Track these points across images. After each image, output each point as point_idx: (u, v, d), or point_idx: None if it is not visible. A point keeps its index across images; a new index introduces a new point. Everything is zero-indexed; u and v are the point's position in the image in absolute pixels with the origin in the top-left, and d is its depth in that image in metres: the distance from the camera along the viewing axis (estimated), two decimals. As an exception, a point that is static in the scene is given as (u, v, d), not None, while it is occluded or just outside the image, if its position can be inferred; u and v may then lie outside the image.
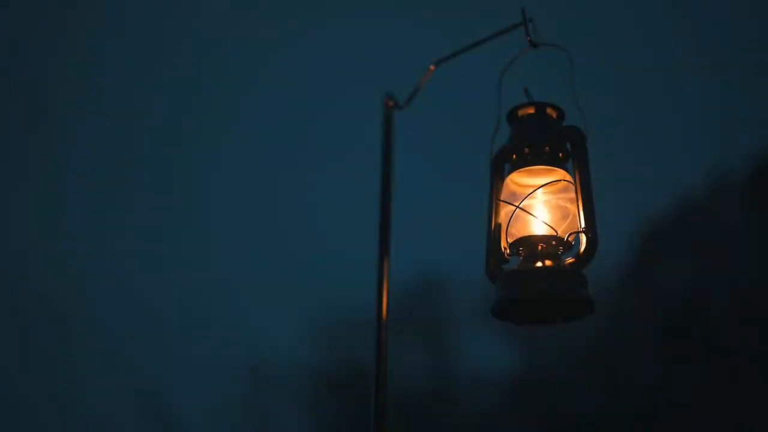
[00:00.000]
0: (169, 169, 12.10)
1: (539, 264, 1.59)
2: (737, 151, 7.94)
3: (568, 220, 1.61)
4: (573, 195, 1.61)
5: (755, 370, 6.68)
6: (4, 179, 11.39)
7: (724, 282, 7.28)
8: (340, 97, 11.96)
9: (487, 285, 1.62)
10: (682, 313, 7.34)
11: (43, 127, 11.94)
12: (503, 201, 1.64)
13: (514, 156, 1.65)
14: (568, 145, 1.64)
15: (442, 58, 1.99)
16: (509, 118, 1.68)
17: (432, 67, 2.01)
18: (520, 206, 1.61)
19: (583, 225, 1.58)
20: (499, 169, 1.67)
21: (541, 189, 1.62)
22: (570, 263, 1.58)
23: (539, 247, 1.60)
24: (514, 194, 1.64)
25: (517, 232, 1.62)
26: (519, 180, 1.65)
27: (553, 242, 1.60)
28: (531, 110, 1.66)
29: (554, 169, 1.63)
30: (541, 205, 1.62)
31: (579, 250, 1.58)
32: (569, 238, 1.60)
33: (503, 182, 1.66)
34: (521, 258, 1.62)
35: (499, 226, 1.63)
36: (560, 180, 1.62)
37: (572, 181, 1.62)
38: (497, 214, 1.64)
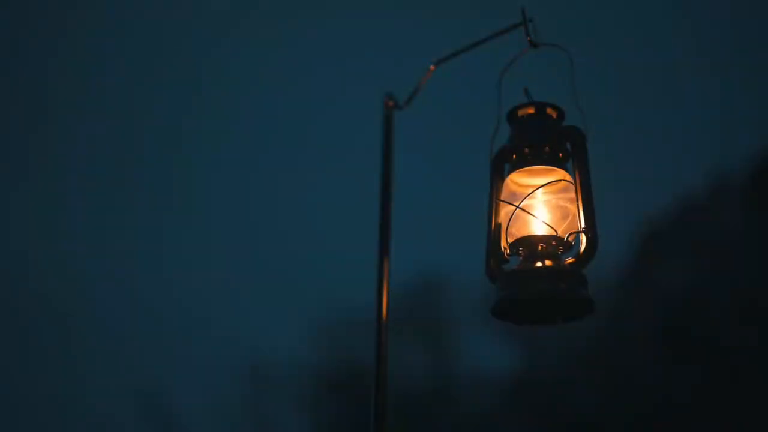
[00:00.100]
0: (169, 169, 12.11)
1: (539, 264, 1.59)
2: (737, 151, 7.95)
3: (568, 220, 1.61)
4: (573, 195, 1.61)
5: (755, 370, 6.68)
6: (4, 179, 11.39)
7: (724, 282, 7.28)
8: (340, 97, 11.97)
9: (487, 285, 1.62)
10: (682, 313, 7.34)
11: (43, 127, 11.95)
12: (503, 201, 1.64)
13: (514, 156, 1.65)
14: (568, 145, 1.64)
15: (442, 58, 1.99)
16: (509, 118, 1.67)
17: (432, 67, 2.01)
18: (520, 206, 1.61)
19: (583, 225, 1.58)
20: (499, 169, 1.67)
21: (541, 189, 1.62)
22: (570, 263, 1.58)
23: (539, 247, 1.60)
24: (514, 194, 1.64)
25: (517, 232, 1.62)
26: (519, 180, 1.65)
27: (553, 242, 1.60)
28: (531, 110, 1.66)
29: (554, 169, 1.63)
30: (541, 205, 1.62)
31: (579, 250, 1.58)
32: (569, 238, 1.60)
33: (503, 182, 1.66)
34: (521, 258, 1.62)
35: (499, 226, 1.63)
36: (560, 180, 1.62)
37: (572, 181, 1.62)
38: (497, 214, 1.64)
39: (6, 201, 11.10)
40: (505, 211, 1.64)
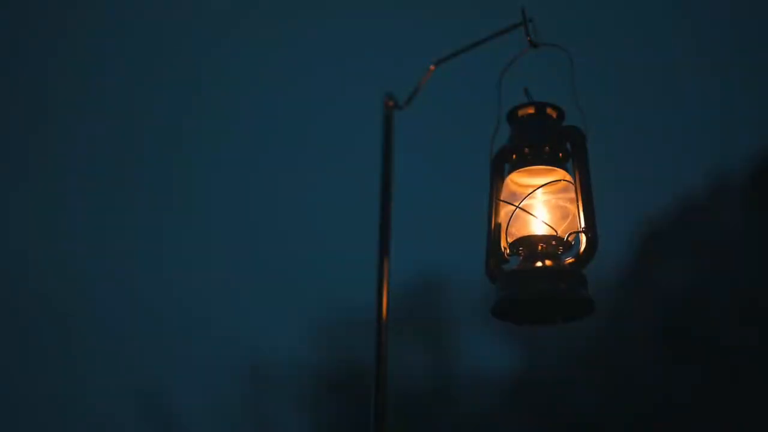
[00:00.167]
0: (169, 169, 12.11)
1: (539, 264, 1.59)
2: (737, 151, 7.95)
3: (568, 220, 1.61)
4: (573, 195, 1.61)
5: (755, 370, 6.68)
6: (4, 179, 11.39)
7: (724, 282, 7.28)
8: (340, 97, 11.97)
9: (487, 285, 1.62)
10: (682, 313, 7.34)
11: (43, 127, 11.95)
12: (503, 201, 1.64)
13: (514, 156, 1.65)
14: (568, 145, 1.64)
15: (442, 58, 1.99)
16: (509, 118, 1.68)
17: (432, 67, 2.01)
18: (520, 206, 1.61)
19: (583, 225, 1.58)
20: (499, 169, 1.67)
21: (540, 189, 1.62)
22: (570, 263, 1.58)
23: (539, 247, 1.60)
24: (514, 194, 1.64)
25: (517, 231, 1.62)
26: (519, 180, 1.65)
27: (553, 242, 1.60)
28: (531, 110, 1.66)
29: (554, 169, 1.63)
30: (540, 205, 1.63)
31: (579, 250, 1.58)
32: (569, 238, 1.60)
33: (503, 182, 1.66)
34: (521, 258, 1.62)
35: (499, 226, 1.63)
36: (560, 180, 1.62)
37: (572, 181, 1.62)
38: (497, 214, 1.64)
39: (6, 201, 11.11)
40: (505, 211, 1.64)
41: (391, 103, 2.08)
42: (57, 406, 9.11)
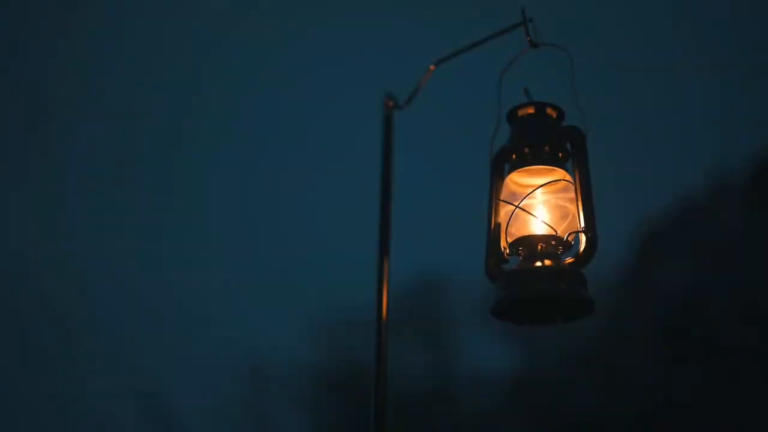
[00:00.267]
0: (169, 169, 12.10)
1: (539, 264, 1.59)
2: (737, 151, 7.95)
3: (568, 220, 1.61)
4: (573, 195, 1.61)
5: (755, 370, 6.68)
6: (4, 179, 11.39)
7: (724, 282, 7.28)
8: (340, 97, 11.97)
9: (487, 285, 1.62)
10: (682, 313, 7.34)
11: (43, 127, 11.95)
12: (503, 201, 1.64)
13: (514, 156, 1.65)
14: (568, 145, 1.65)
15: (442, 58, 1.99)
16: (509, 118, 1.68)
17: (432, 67, 2.01)
18: (519, 206, 1.61)
19: (582, 225, 1.58)
20: (499, 169, 1.67)
21: (540, 189, 1.62)
22: (569, 263, 1.58)
23: (539, 247, 1.60)
24: (513, 194, 1.64)
25: (516, 231, 1.62)
26: (519, 180, 1.65)
27: (553, 242, 1.60)
28: (531, 110, 1.66)
29: (554, 169, 1.63)
30: (540, 205, 1.63)
31: (578, 249, 1.58)
32: (569, 238, 1.60)
33: (503, 182, 1.66)
34: (521, 258, 1.62)
35: (498, 225, 1.63)
36: (560, 180, 1.63)
37: (572, 181, 1.62)
38: (497, 213, 1.64)
39: (6, 201, 11.11)
40: (504, 210, 1.64)
41: (391, 103, 2.08)
42: (57, 406, 9.11)
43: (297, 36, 12.69)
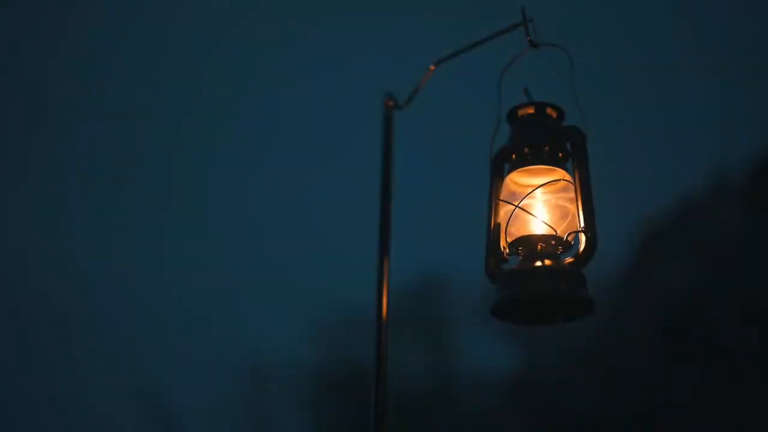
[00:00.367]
0: (169, 169, 12.11)
1: (538, 263, 1.59)
2: (737, 151, 7.95)
3: (568, 220, 1.61)
4: (572, 195, 1.61)
5: (755, 370, 6.68)
6: (4, 179, 11.39)
7: (724, 282, 7.28)
8: (340, 97, 11.97)
9: (487, 285, 1.62)
10: (682, 313, 7.34)
11: (43, 127, 11.95)
12: (503, 200, 1.64)
13: (513, 156, 1.65)
14: (568, 145, 1.65)
15: (442, 58, 1.99)
16: (509, 118, 1.68)
17: (432, 67, 2.01)
18: (519, 206, 1.61)
19: (582, 225, 1.58)
20: (499, 169, 1.67)
21: (540, 188, 1.62)
22: (569, 263, 1.58)
23: (538, 247, 1.60)
24: (513, 194, 1.64)
25: (516, 231, 1.62)
26: (519, 180, 1.65)
27: (553, 242, 1.60)
28: (531, 110, 1.66)
29: (554, 169, 1.63)
30: (540, 205, 1.63)
31: (578, 249, 1.58)
32: (568, 238, 1.60)
33: (503, 182, 1.66)
34: (521, 257, 1.62)
35: (498, 225, 1.63)
36: (560, 180, 1.62)
37: (572, 181, 1.62)
38: (497, 213, 1.64)
39: (6, 201, 11.11)
40: (504, 210, 1.64)
41: (391, 103, 2.08)
42: (57, 406, 9.11)
43: (297, 36, 12.70)
